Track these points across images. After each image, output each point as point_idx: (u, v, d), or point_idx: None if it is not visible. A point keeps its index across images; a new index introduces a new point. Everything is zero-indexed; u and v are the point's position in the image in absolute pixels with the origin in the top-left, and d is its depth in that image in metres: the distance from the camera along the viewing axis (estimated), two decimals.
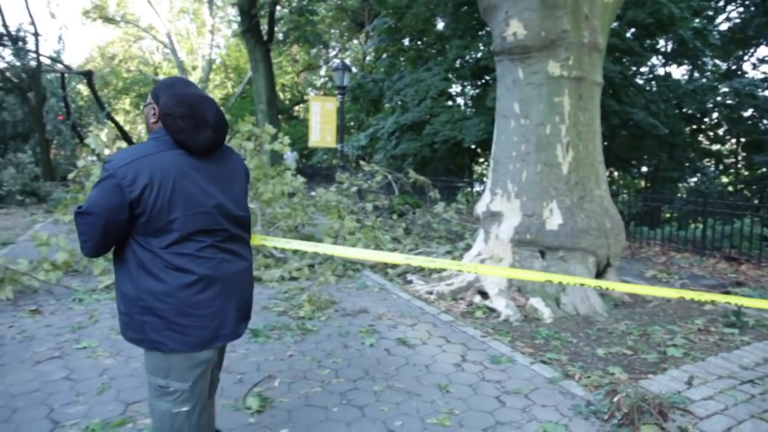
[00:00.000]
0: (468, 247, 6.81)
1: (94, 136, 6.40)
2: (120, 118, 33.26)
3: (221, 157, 2.12)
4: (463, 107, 18.27)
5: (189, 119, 1.95)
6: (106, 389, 3.39)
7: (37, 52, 17.03)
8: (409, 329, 4.61)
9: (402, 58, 20.85)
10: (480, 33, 17.49)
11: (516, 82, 5.77)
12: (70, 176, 6.92)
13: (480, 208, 6.04)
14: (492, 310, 5.15)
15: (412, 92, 16.26)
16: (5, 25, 16.31)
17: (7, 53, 16.94)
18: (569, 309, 5.17)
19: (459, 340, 4.36)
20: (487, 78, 17.14)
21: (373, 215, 8.16)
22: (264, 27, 19.22)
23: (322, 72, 35.06)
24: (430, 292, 5.64)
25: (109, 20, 33.28)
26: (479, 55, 16.68)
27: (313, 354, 4.00)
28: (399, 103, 17.07)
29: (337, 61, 18.56)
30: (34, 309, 5.00)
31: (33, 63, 16.97)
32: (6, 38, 16.07)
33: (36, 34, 16.82)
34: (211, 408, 2.55)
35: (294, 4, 20.38)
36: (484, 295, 5.40)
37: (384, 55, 22.55)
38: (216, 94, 37.75)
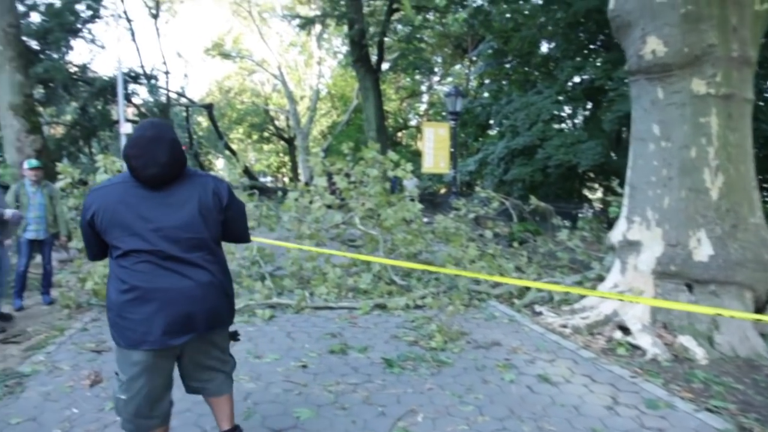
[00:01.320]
0: (599, 278, 6.42)
1: (228, 166, 6.75)
2: (233, 147, 35.36)
3: (175, 187, 2.39)
4: (574, 130, 17.60)
5: (139, 159, 2.29)
6: (252, 414, 3.46)
7: (167, 88, 18.58)
8: (548, 365, 4.36)
9: (505, 82, 20.54)
10: (592, 53, 16.89)
11: (655, 102, 5.41)
12: None
13: (615, 236, 5.68)
14: (635, 347, 4.77)
15: (522, 116, 15.88)
16: (142, 66, 17.98)
17: (143, 90, 18.69)
18: (725, 349, 4.68)
19: (606, 380, 4.05)
20: (601, 99, 16.44)
21: (493, 243, 7.94)
22: (373, 56, 19.72)
23: (425, 98, 35.42)
24: (564, 326, 5.33)
25: (226, 56, 35.71)
26: (588, 75, 16.03)
27: (452, 388, 3.87)
28: (508, 127, 16.70)
29: (444, 87, 18.65)
30: None
31: (163, 98, 18.52)
32: (143, 77, 17.71)
33: (167, 73, 18.41)
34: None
35: (401, 33, 20.79)
36: (624, 330, 5.03)
37: (487, 80, 22.35)
38: (322, 123, 39.21)
